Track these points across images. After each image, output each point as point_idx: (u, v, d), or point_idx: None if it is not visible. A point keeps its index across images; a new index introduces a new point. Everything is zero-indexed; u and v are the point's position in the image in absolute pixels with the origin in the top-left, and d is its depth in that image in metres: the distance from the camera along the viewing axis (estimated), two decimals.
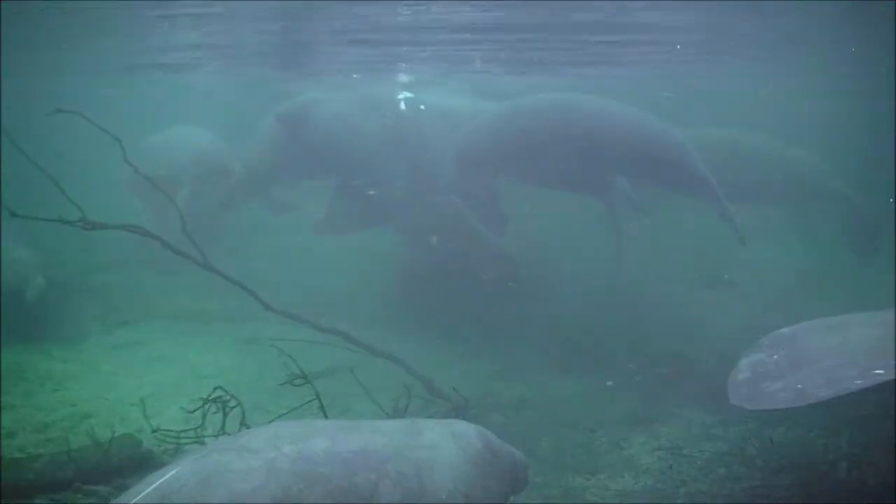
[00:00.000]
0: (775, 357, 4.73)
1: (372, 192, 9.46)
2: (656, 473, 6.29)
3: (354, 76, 14.07)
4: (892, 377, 4.30)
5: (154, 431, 5.94)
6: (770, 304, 9.59)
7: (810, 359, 4.64)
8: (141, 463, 5.88)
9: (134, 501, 3.23)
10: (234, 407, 5.89)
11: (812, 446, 6.68)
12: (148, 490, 3.26)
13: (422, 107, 10.02)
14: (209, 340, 9.35)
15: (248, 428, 5.41)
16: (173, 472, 3.35)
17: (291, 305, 7.72)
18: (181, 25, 10.28)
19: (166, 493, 3.24)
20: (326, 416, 5.81)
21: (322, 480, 3.39)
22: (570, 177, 9.21)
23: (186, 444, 5.97)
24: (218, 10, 9.37)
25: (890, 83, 14.06)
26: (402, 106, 9.92)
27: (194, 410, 6.06)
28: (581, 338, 9.09)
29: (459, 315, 9.63)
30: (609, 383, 8.24)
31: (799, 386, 4.36)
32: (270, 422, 5.66)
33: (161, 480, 3.30)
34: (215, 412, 5.86)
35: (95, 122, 7.33)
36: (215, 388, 5.86)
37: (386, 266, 10.61)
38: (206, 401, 5.88)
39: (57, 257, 10.67)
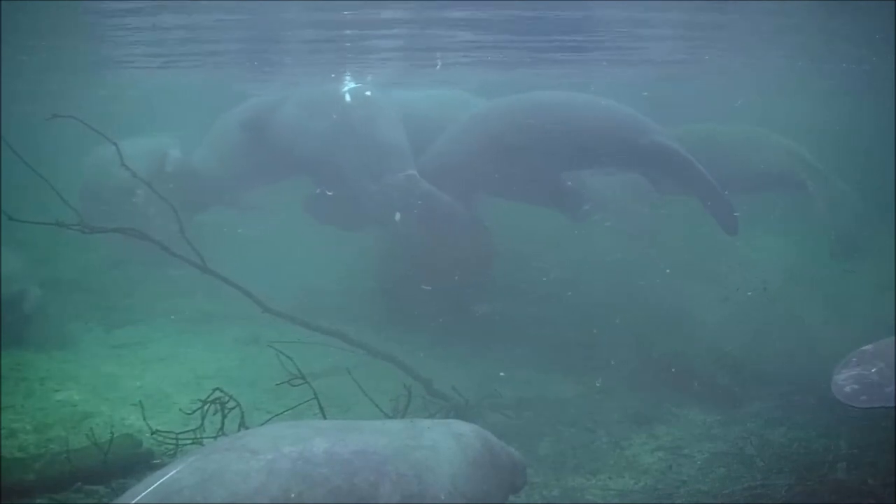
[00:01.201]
0: (874, 369, 4.96)
1: (332, 193, 9.45)
2: (656, 473, 6.29)
3: (332, 76, 14.11)
4: None
5: (153, 433, 5.94)
6: (768, 304, 9.58)
7: None
8: (141, 463, 5.89)
9: (133, 502, 3.22)
10: (232, 408, 5.88)
11: (812, 446, 6.68)
12: (148, 490, 3.25)
13: (367, 93, 10.00)
14: (209, 341, 9.35)
15: (248, 428, 5.41)
16: (173, 472, 3.34)
17: (288, 306, 7.72)
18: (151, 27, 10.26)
19: (166, 494, 3.24)
20: (325, 417, 5.81)
21: (322, 481, 3.39)
22: (551, 179, 9.19)
23: (186, 445, 5.97)
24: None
25: (890, 83, 14.06)
26: (349, 98, 9.88)
27: (193, 412, 6.06)
28: (581, 338, 9.08)
29: (459, 315, 9.62)
30: (609, 383, 8.24)
31: None
32: (265, 422, 5.71)
33: (161, 481, 3.30)
34: (214, 413, 5.86)
35: (93, 127, 7.38)
36: (214, 390, 5.86)
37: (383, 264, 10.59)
38: (204, 402, 5.87)
39: (56, 257, 10.67)
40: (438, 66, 13.53)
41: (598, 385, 8.21)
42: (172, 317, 10.04)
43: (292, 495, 3.30)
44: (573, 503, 5.78)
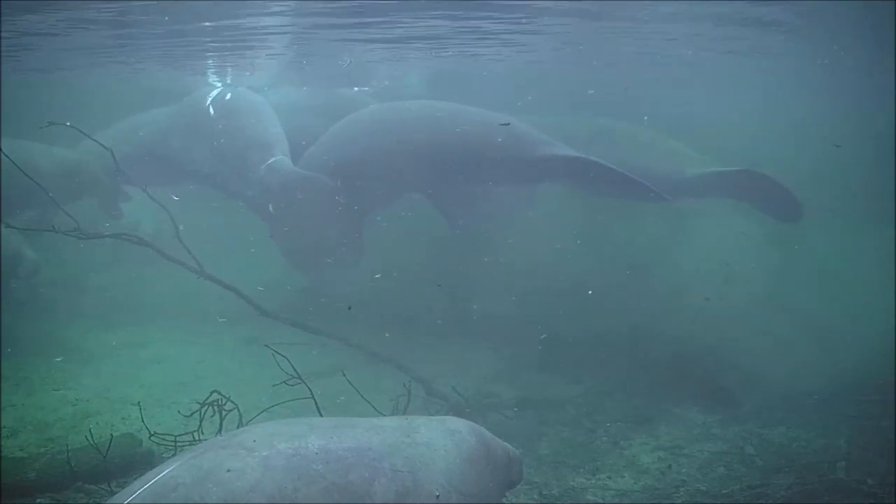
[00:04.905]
0: None
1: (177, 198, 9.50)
2: (656, 473, 6.29)
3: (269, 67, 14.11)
4: None
5: (151, 436, 5.95)
6: (768, 304, 9.58)
7: None
8: (141, 462, 5.90)
9: (129, 501, 3.22)
10: (230, 410, 5.89)
11: (812, 446, 6.68)
12: (144, 488, 3.25)
13: (228, 96, 10.07)
14: (208, 341, 9.35)
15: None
16: (169, 470, 3.34)
17: (287, 307, 7.73)
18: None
19: (162, 492, 3.24)
20: (322, 416, 5.81)
21: (317, 478, 3.39)
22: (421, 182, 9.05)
23: (184, 446, 5.97)
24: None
25: (890, 84, 14.02)
26: (210, 108, 9.96)
27: (191, 414, 6.07)
28: (581, 338, 9.08)
29: (459, 316, 9.63)
30: (609, 383, 8.23)
31: None
32: (253, 419, 5.71)
33: (157, 479, 3.29)
34: (213, 415, 5.87)
35: (87, 133, 7.44)
36: (212, 392, 5.87)
37: (384, 265, 10.60)
38: (202, 404, 5.89)
39: (56, 258, 10.68)
40: (348, 63, 13.53)
41: (606, 385, 8.15)
42: (173, 317, 10.05)
43: (287, 492, 3.29)
44: (573, 502, 5.78)
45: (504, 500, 4.47)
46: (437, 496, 3.62)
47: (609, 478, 6.22)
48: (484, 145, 8.57)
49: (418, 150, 8.63)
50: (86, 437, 5.85)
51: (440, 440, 3.89)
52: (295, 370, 5.81)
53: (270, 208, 8.86)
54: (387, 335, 8.44)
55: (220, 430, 5.77)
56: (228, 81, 15.39)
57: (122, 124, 11.19)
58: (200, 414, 5.88)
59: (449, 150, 8.61)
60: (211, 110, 9.80)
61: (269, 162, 8.87)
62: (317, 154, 9.26)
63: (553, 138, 8.79)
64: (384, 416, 6.13)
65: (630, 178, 8.33)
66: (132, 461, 5.87)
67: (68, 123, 7.10)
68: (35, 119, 7.70)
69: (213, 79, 15.39)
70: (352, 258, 9.29)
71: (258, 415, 6.01)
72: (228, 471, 3.30)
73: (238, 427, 5.85)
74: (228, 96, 10.03)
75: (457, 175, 8.82)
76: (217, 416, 5.85)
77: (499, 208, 9.84)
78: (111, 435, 5.86)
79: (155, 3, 8.93)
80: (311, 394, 5.68)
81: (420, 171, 8.72)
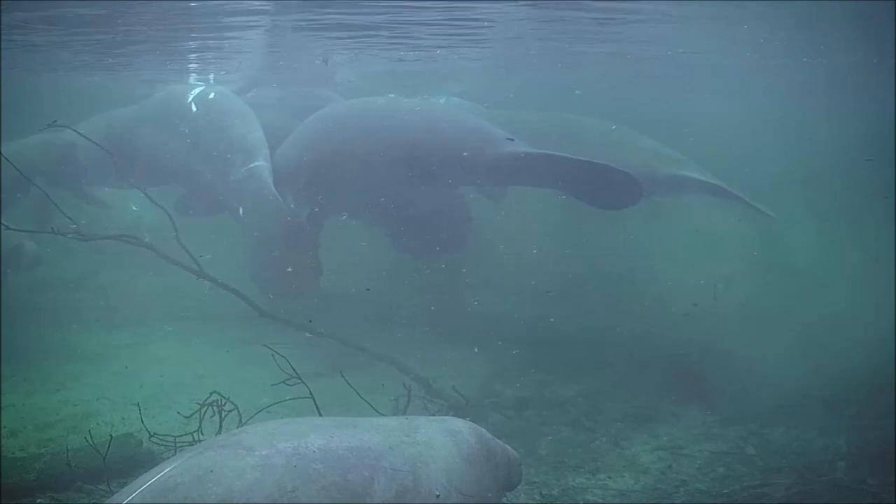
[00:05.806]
0: None
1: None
2: (656, 473, 6.30)
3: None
4: None
5: (151, 436, 5.95)
6: (768, 304, 9.58)
7: None
8: (141, 462, 5.89)
9: (128, 500, 3.22)
10: (230, 411, 5.90)
11: (812, 446, 6.69)
12: (143, 488, 3.25)
13: (211, 95, 10.00)
14: (209, 341, 9.35)
15: None
16: (168, 469, 3.34)
17: (287, 307, 7.73)
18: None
19: (161, 492, 3.23)
20: (321, 415, 5.82)
21: (317, 477, 3.39)
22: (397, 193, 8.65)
23: (184, 446, 5.98)
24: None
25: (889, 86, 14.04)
26: (192, 104, 9.89)
27: (191, 415, 6.07)
28: (581, 338, 9.08)
29: (459, 316, 9.63)
30: (609, 383, 8.24)
31: None
32: (249, 419, 5.71)
33: (156, 478, 3.29)
34: (212, 416, 5.87)
35: (89, 138, 7.43)
36: (212, 393, 5.88)
37: (384, 266, 10.61)
38: (202, 405, 5.89)
39: (57, 257, 10.70)
40: (327, 63, 13.45)
41: (606, 385, 8.14)
42: (173, 317, 10.06)
43: (287, 491, 3.30)
44: (573, 502, 5.78)
45: (504, 500, 4.47)
46: (437, 496, 3.62)
47: (609, 478, 6.22)
48: (449, 141, 8.26)
49: (384, 147, 8.46)
50: (86, 437, 5.85)
51: (440, 440, 3.89)
52: (294, 370, 5.81)
53: (241, 212, 8.82)
54: (387, 336, 8.46)
55: (220, 430, 5.77)
56: (211, 81, 15.35)
57: (96, 117, 11.15)
58: (200, 414, 5.89)
59: (413, 147, 8.32)
60: (193, 107, 9.76)
61: (250, 166, 8.83)
62: (285, 153, 9.14)
63: (520, 134, 8.59)
64: (384, 416, 6.15)
65: (601, 166, 7.95)
66: (132, 461, 5.86)
67: (56, 121, 7.10)
68: (35, 119, 7.72)
69: (194, 78, 15.38)
70: (307, 288, 9.07)
71: (257, 414, 6.02)
72: (217, 471, 3.30)
73: (238, 427, 5.85)
74: (212, 95, 10.00)
75: (422, 174, 8.44)
76: (217, 416, 5.85)
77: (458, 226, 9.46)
78: (111, 435, 5.85)
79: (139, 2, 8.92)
80: (311, 394, 5.69)
81: (382, 170, 8.43)
